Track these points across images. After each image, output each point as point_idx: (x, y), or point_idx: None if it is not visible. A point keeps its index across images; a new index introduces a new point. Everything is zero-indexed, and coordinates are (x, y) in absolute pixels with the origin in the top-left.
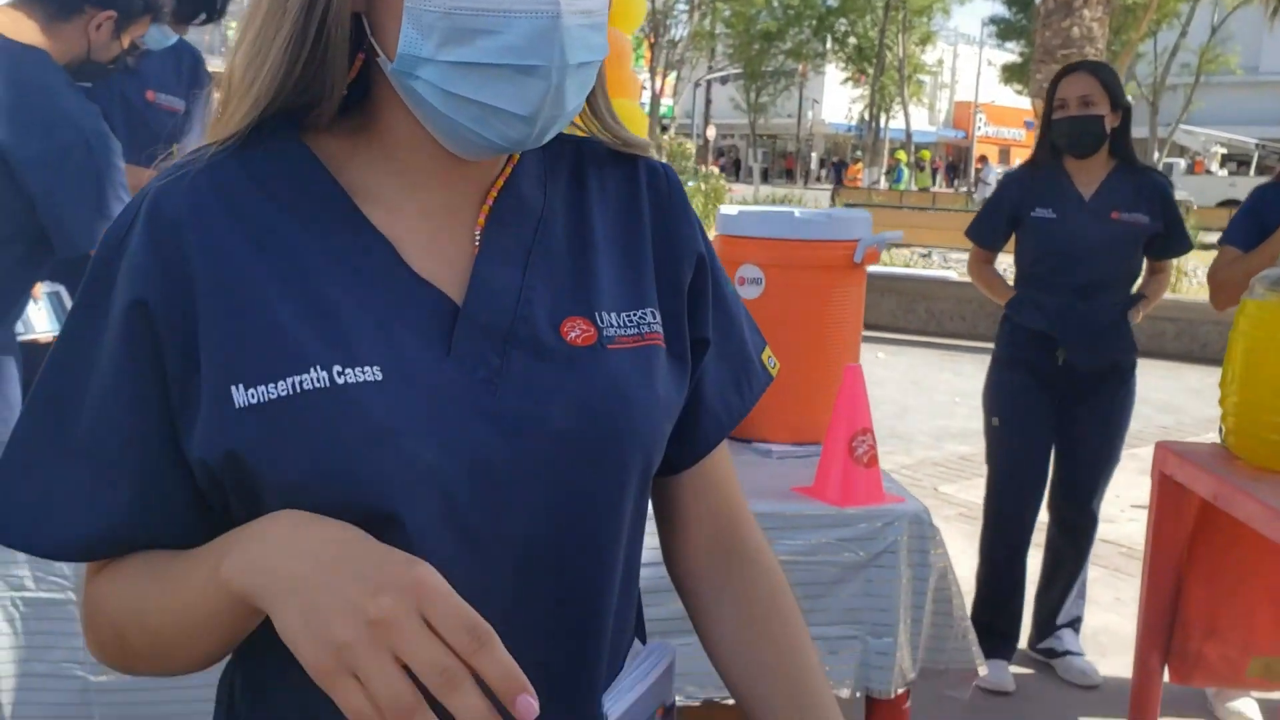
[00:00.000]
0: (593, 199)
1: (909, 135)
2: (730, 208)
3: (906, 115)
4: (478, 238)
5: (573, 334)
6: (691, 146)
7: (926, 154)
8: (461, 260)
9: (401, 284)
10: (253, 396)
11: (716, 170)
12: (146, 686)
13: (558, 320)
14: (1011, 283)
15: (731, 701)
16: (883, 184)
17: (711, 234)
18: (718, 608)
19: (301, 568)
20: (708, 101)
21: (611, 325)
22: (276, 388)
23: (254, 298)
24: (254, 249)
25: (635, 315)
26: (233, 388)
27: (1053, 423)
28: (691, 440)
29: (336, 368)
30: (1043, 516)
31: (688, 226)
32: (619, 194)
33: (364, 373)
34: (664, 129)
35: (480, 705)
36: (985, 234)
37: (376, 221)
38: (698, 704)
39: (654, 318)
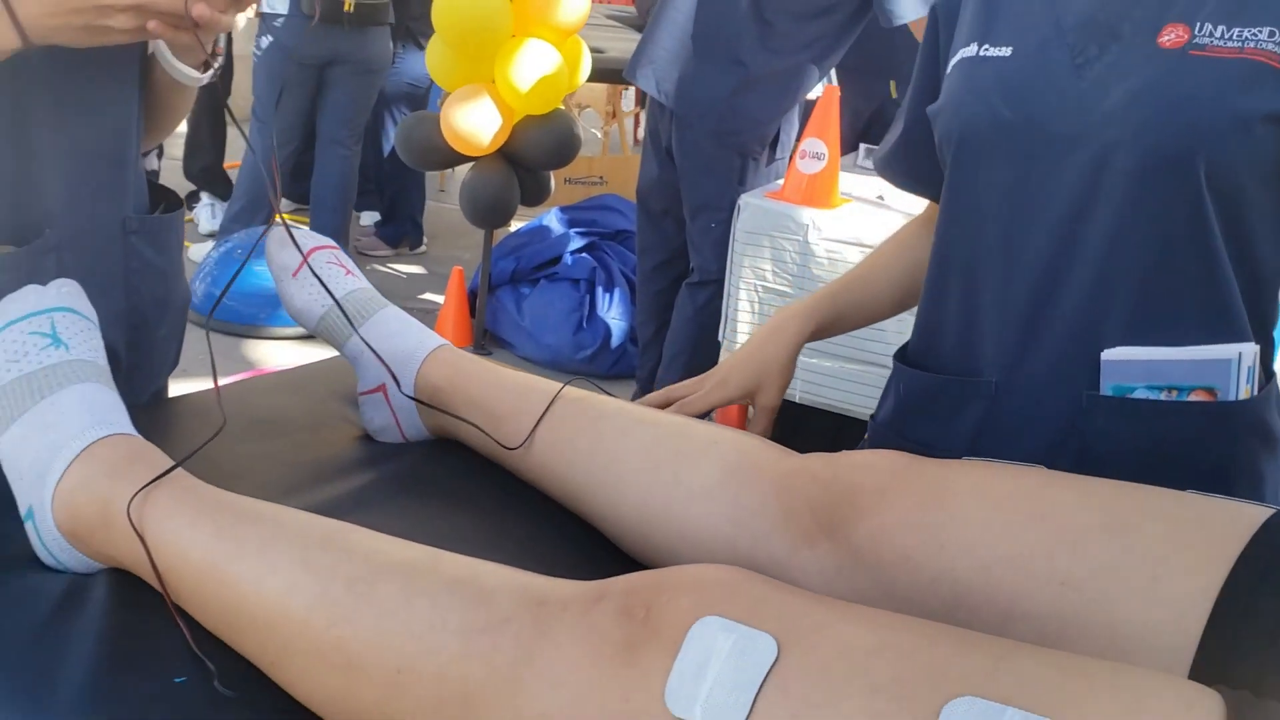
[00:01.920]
0: None
1: None
2: None
3: None
4: None
5: (1166, 38)
6: None
7: None
8: None
9: None
10: (949, 64)
11: None
12: None
13: (1161, 24)
14: None
15: None
16: None
17: None
18: None
19: None
20: None
21: (1208, 35)
22: (958, 55)
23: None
24: None
25: (1244, 31)
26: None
27: None
28: None
29: (986, 45)
30: None
31: None
32: None
33: (999, 50)
34: None
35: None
36: None
37: None
38: None
39: (1270, 37)
